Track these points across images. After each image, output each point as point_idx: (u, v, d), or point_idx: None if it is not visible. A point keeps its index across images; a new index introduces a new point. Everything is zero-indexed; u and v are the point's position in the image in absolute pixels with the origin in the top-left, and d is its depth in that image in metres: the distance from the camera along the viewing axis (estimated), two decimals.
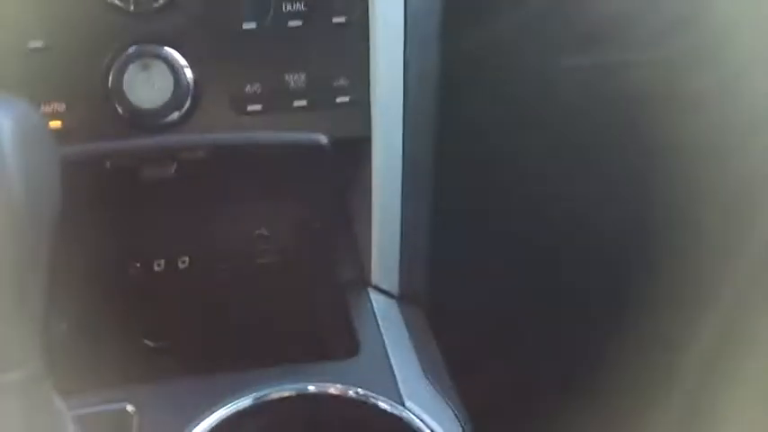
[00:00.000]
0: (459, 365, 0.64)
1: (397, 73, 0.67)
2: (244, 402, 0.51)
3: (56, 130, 0.61)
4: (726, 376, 0.70)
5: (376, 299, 0.68)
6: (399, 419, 0.51)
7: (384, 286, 0.70)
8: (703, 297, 0.70)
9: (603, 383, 0.71)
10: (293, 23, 0.64)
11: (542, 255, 0.75)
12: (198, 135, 0.61)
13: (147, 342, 0.79)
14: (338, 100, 0.66)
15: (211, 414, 0.51)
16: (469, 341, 0.67)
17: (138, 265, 0.77)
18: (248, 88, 0.64)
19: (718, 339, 0.70)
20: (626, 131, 0.73)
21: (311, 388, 0.52)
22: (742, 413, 0.67)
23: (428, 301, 0.72)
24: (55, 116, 0.61)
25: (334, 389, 0.52)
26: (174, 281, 0.77)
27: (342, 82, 0.66)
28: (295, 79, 0.65)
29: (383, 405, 0.52)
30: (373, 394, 0.52)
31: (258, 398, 0.52)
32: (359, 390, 0.52)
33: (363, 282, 0.70)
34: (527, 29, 0.71)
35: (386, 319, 0.65)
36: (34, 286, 0.44)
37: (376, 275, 0.70)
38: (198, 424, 0.50)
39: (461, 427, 0.52)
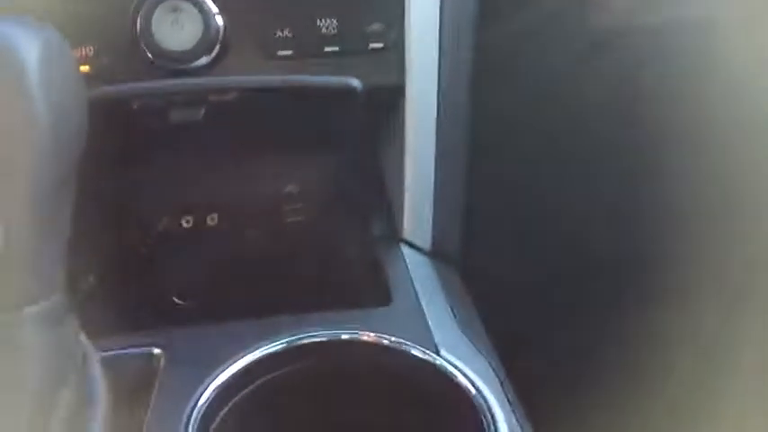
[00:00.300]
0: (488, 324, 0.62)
1: (433, 19, 0.65)
2: (275, 347, 0.50)
3: (84, 74, 0.60)
4: (722, 372, 0.67)
5: (408, 253, 0.66)
6: (434, 367, 0.49)
7: (416, 241, 0.68)
8: (702, 294, 0.68)
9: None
10: None
11: (572, 226, 0.72)
12: (228, 77, 0.59)
13: (175, 300, 0.79)
14: (371, 46, 0.63)
15: (240, 358, 0.49)
16: (500, 302, 0.64)
17: (168, 220, 0.76)
18: (279, 33, 0.62)
19: (715, 336, 0.68)
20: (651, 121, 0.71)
21: (344, 335, 0.51)
22: (738, 409, 0.65)
23: (460, 259, 0.70)
24: (83, 60, 0.60)
25: (367, 336, 0.50)
26: (202, 237, 0.76)
27: (375, 27, 0.63)
28: (327, 24, 0.63)
29: (417, 353, 0.50)
30: (407, 342, 0.50)
31: (290, 342, 0.50)
32: (392, 337, 0.50)
33: (395, 236, 0.68)
34: None
35: (417, 272, 0.63)
36: (57, 216, 0.42)
37: (408, 230, 0.68)
38: (226, 367, 0.48)
39: (496, 377, 0.50)
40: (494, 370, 0.51)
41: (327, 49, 0.63)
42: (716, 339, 0.67)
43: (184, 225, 0.76)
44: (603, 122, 0.72)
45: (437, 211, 0.68)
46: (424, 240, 0.68)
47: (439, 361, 0.49)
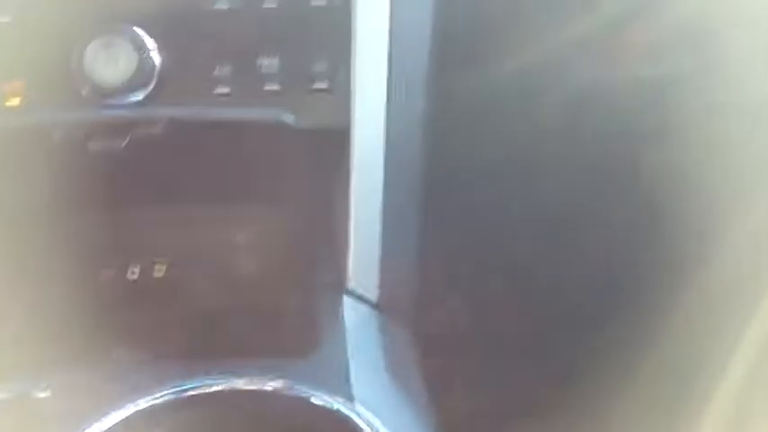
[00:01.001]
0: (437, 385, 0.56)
1: (382, 59, 0.63)
2: (150, 401, 0.45)
3: (14, 108, 0.58)
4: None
5: (350, 304, 0.61)
6: (336, 417, 0.43)
7: (362, 292, 0.63)
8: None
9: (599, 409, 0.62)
10: (268, 5, 0.60)
11: (541, 267, 0.67)
12: (153, 108, 0.56)
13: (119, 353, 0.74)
14: (315, 85, 0.61)
15: (125, 408, 0.44)
16: (452, 362, 0.59)
17: (111, 270, 0.72)
18: (217, 70, 0.60)
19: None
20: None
21: (236, 383, 0.45)
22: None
23: (411, 314, 0.65)
24: (14, 94, 0.59)
25: (250, 382, 0.45)
26: (148, 289, 0.72)
27: (320, 67, 0.61)
28: (268, 63, 0.61)
29: (317, 401, 0.44)
30: (302, 389, 0.44)
31: (172, 395, 0.45)
32: (283, 383, 0.45)
33: (340, 286, 0.63)
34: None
35: (353, 324, 0.58)
36: None
37: (353, 279, 0.63)
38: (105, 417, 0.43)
39: None
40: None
41: (268, 87, 0.60)
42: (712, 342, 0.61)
43: (130, 277, 0.73)
44: (566, 179, 0.69)
45: (385, 261, 0.63)
46: (370, 291, 0.63)
47: (337, 406, 0.43)
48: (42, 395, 0.46)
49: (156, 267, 0.72)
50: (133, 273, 0.72)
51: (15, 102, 0.59)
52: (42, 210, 0.67)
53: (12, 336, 0.59)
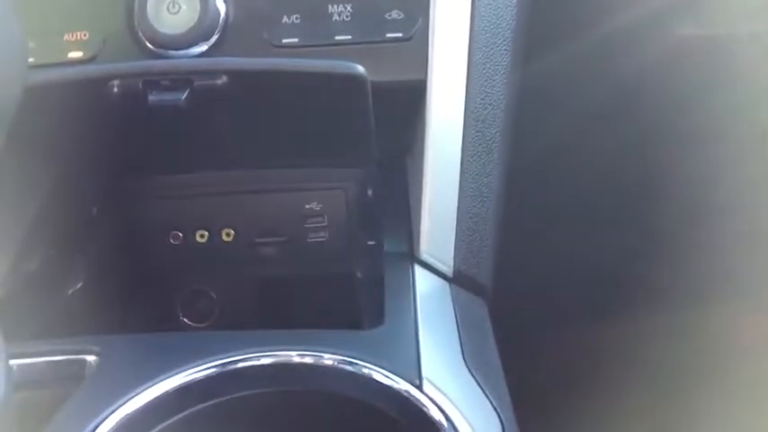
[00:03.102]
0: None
1: (464, 7, 0.57)
2: (204, 371, 0.41)
3: (77, 60, 0.56)
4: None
5: (422, 274, 0.56)
6: (401, 397, 0.38)
7: (435, 263, 0.58)
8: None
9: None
10: None
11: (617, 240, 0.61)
12: (211, 58, 0.53)
13: (184, 320, 0.73)
14: (389, 35, 0.56)
15: (164, 381, 0.41)
16: (530, 343, 0.53)
17: (180, 234, 0.70)
18: (285, 19, 0.56)
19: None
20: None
21: (296, 357, 0.41)
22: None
23: (489, 290, 0.59)
24: (77, 45, 0.56)
25: (324, 358, 0.41)
26: (217, 254, 0.69)
27: (395, 15, 0.56)
28: (339, 10, 0.56)
29: (380, 377, 0.39)
30: (374, 367, 0.40)
31: (224, 366, 0.41)
32: (341, 357, 0.40)
33: (411, 256, 0.58)
34: None
35: (426, 295, 0.53)
36: None
37: (425, 249, 0.58)
38: (139, 394, 0.40)
39: (500, 423, 0.39)
40: (499, 417, 0.40)
41: (339, 37, 0.56)
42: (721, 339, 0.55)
43: (198, 240, 0.70)
44: (651, 150, 0.61)
45: (461, 230, 0.58)
46: (445, 263, 0.58)
47: (403, 386, 0.38)
48: (92, 359, 0.44)
49: (225, 232, 0.69)
50: (202, 236, 0.70)
51: (78, 53, 0.56)
52: (104, 167, 0.65)
53: (68, 299, 0.58)
